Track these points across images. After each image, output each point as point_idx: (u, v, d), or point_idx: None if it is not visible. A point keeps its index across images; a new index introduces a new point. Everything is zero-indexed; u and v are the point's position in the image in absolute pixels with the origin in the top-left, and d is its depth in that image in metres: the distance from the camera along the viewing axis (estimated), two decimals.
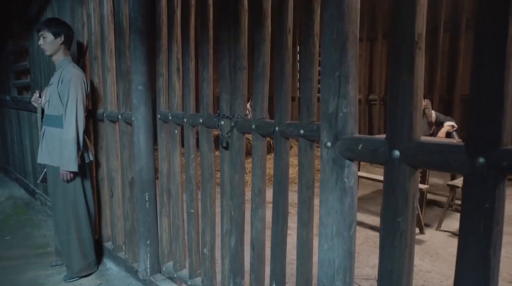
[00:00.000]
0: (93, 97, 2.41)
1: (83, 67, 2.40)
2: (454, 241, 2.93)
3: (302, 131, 1.25)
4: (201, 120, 1.70)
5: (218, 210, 1.72)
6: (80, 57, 2.43)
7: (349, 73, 1.02)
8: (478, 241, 0.81)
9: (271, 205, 1.41)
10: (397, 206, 0.94)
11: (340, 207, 1.07)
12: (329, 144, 1.07)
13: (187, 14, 1.73)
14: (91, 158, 2.29)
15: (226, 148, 1.60)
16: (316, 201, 1.20)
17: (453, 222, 3.29)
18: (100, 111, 2.34)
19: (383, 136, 0.98)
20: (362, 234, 3.06)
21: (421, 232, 3.07)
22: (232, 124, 1.55)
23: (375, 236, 3.04)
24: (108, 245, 2.46)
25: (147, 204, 2.00)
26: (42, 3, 3.08)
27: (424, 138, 0.91)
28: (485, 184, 0.79)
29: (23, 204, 3.77)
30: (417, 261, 2.57)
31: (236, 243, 1.62)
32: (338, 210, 1.07)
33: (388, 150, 0.94)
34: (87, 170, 2.28)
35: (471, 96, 0.81)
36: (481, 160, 0.79)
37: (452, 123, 4.10)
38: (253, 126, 1.45)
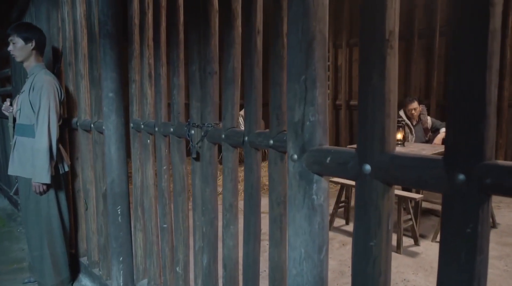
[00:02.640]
0: (68, 105, 2.31)
1: (58, 73, 2.30)
2: None
3: (271, 142, 1.13)
4: (171, 129, 1.59)
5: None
6: (55, 63, 2.33)
7: (316, 77, 0.91)
8: (459, 273, 0.69)
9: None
10: (369, 228, 0.82)
11: (309, 227, 0.95)
12: (295, 156, 0.95)
13: (157, 16, 1.62)
14: (66, 168, 2.17)
15: (197, 159, 1.49)
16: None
17: None
18: (74, 119, 2.23)
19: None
20: None
21: (416, 243, 2.94)
22: (203, 133, 1.43)
23: None
24: (84, 260, 2.34)
25: (119, 218, 1.88)
26: (23, 8, 2.99)
27: (399, 151, 0.79)
28: (466, 204, 0.68)
29: (5, 216, 3.65)
30: (410, 275, 2.44)
31: (209, 262, 1.50)
32: (307, 230, 0.95)
33: (358, 164, 0.82)
34: (62, 182, 2.16)
35: (449, 103, 0.70)
36: (461, 176, 0.68)
37: None
38: (223, 136, 1.34)
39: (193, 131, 1.48)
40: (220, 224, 1.49)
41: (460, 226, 0.69)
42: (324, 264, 0.97)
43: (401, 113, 4.13)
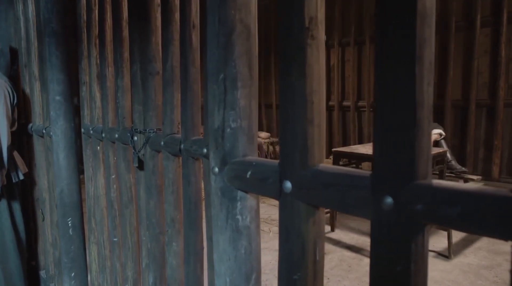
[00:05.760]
0: (26, 110, 2.17)
1: (16, 75, 2.17)
2: (438, 263, 2.64)
3: (205, 150, 0.99)
4: (116, 135, 1.45)
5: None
6: (12, 64, 2.20)
7: (237, 75, 0.77)
8: None
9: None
10: (292, 259, 0.68)
11: (234, 252, 0.80)
12: (216, 169, 0.81)
13: (102, 12, 1.49)
14: (21, 177, 2.03)
15: (140, 168, 1.35)
16: None
17: (439, 240, 3.00)
18: (30, 125, 2.10)
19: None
20: (336, 256, 2.77)
21: None
22: (144, 140, 1.29)
23: (351, 257, 2.76)
24: (43, 273, 2.20)
25: (70, 230, 1.74)
26: None
27: (325, 165, 0.65)
28: (395, 236, 0.53)
29: None
30: None
31: (155, 281, 1.36)
32: (231, 256, 0.81)
33: (278, 180, 0.68)
34: (16, 191, 2.03)
35: (376, 107, 0.56)
36: (389, 200, 0.53)
37: (440, 131, 3.84)
38: (162, 143, 1.20)
39: (136, 137, 1.34)
40: None
41: (389, 263, 0.54)
42: None
43: None
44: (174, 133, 1.19)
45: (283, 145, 0.68)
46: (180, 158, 1.21)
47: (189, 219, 1.12)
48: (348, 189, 0.58)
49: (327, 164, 0.65)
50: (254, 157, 0.78)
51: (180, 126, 1.21)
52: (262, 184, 0.71)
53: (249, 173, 0.74)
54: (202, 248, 1.15)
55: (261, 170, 0.72)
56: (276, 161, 0.71)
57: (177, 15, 1.16)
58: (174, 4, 1.15)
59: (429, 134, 0.53)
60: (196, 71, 1.08)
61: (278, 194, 0.69)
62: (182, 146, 1.09)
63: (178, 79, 1.18)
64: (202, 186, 1.09)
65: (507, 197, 0.44)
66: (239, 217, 0.79)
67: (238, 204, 0.79)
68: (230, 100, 0.77)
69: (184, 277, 1.17)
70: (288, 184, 0.66)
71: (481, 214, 0.45)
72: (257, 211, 0.81)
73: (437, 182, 0.51)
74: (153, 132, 1.27)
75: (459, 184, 0.49)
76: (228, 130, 0.78)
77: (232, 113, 0.77)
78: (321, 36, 0.65)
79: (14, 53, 2.22)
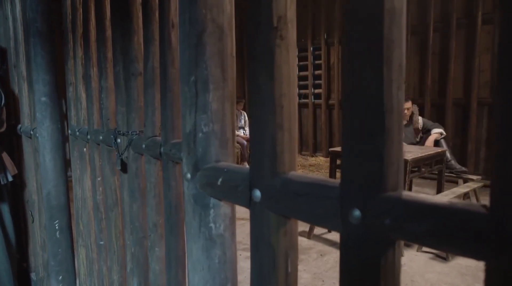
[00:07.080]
0: (16, 110, 2.15)
1: (5, 75, 2.15)
2: (435, 265, 2.60)
3: (182, 154, 0.96)
4: (101, 137, 1.42)
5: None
6: (1, 64, 2.18)
7: (208, 77, 0.73)
8: None
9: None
10: (262, 271, 0.64)
11: (207, 262, 0.77)
12: (188, 175, 0.77)
13: (86, 11, 1.46)
14: (10, 178, 2.01)
15: (124, 171, 1.32)
16: None
17: None
18: (19, 126, 2.08)
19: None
20: (332, 257, 2.74)
21: None
22: (127, 142, 1.26)
23: None
24: (33, 275, 2.18)
25: (57, 233, 1.72)
26: None
27: (295, 173, 0.61)
28: (363, 251, 0.50)
29: None
30: None
31: None
32: (205, 265, 0.78)
33: (248, 188, 0.65)
34: (5, 193, 2.01)
35: (342, 112, 0.52)
36: (356, 213, 0.50)
37: (440, 130, 3.79)
38: (143, 146, 1.16)
39: (119, 140, 1.31)
40: None
41: (358, 280, 0.51)
42: None
43: None
44: (156, 136, 1.16)
45: (252, 151, 0.64)
46: (161, 161, 1.18)
47: (170, 224, 1.09)
48: (317, 200, 0.55)
49: (297, 172, 0.61)
50: (226, 163, 0.74)
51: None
52: (232, 191, 0.68)
53: (220, 180, 0.70)
54: (184, 253, 1.12)
55: (232, 177, 0.68)
56: (248, 168, 0.68)
57: (157, 14, 1.12)
58: (154, 2, 1.12)
59: (400, 143, 0.49)
60: (175, 71, 1.04)
61: (248, 202, 0.65)
62: (162, 149, 1.06)
63: (159, 80, 1.15)
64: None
65: (480, 214, 0.41)
66: (212, 225, 0.76)
67: (211, 211, 0.76)
68: (202, 103, 0.74)
69: (166, 282, 1.14)
70: (257, 193, 0.63)
71: (451, 231, 0.42)
72: (231, 218, 0.78)
73: (407, 194, 0.47)
74: (136, 134, 1.24)
75: (431, 197, 0.46)
76: (200, 134, 0.74)
77: (204, 116, 0.74)
78: (291, 36, 0.61)
79: (3, 53, 2.20)
